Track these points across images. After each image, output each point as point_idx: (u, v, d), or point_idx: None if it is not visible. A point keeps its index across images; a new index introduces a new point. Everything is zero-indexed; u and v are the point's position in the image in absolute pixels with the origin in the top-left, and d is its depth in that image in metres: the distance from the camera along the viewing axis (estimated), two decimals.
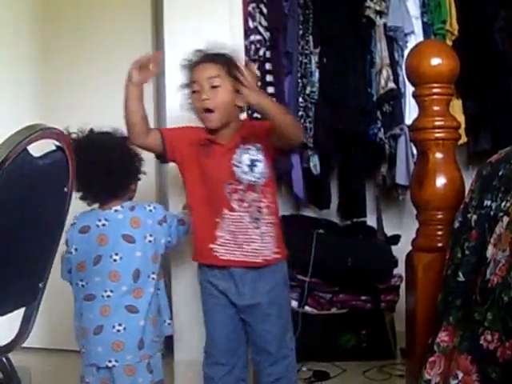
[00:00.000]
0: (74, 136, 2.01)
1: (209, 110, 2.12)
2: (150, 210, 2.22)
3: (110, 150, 2.17)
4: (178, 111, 3.01)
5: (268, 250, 2.14)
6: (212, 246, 2.12)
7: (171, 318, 2.33)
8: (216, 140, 2.16)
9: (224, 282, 2.14)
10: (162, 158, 2.27)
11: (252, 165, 2.12)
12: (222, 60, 2.17)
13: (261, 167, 2.13)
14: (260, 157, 2.14)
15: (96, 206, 2.22)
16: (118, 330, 2.12)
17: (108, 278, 2.14)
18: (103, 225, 2.17)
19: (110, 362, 2.12)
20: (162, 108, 3.27)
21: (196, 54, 2.22)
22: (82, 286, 2.18)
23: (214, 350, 2.18)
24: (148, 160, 2.30)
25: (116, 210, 2.19)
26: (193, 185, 2.19)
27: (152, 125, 3.26)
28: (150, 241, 2.19)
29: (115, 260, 2.15)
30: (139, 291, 2.16)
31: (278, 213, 2.21)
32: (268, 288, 2.15)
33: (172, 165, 2.37)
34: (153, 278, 2.19)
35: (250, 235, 2.12)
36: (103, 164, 2.12)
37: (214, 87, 2.12)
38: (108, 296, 2.14)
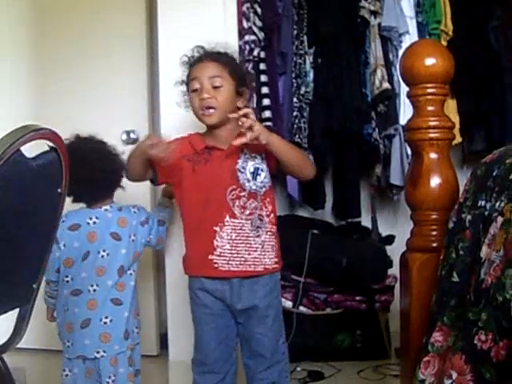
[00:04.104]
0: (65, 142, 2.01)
1: (208, 107, 2.08)
2: (135, 212, 2.38)
3: (100, 153, 2.31)
4: (171, 109, 3.02)
5: (268, 258, 2.11)
6: (211, 257, 2.06)
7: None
8: (215, 145, 2.12)
9: (221, 286, 2.09)
10: (153, 182, 2.24)
11: (255, 173, 2.10)
12: (224, 60, 2.14)
13: (263, 176, 2.11)
14: (264, 166, 2.12)
15: (83, 205, 2.34)
16: (105, 323, 2.25)
17: (95, 273, 2.26)
18: (94, 222, 2.28)
19: (98, 353, 2.23)
20: (156, 106, 3.27)
21: (196, 50, 2.18)
22: (67, 281, 2.28)
23: (207, 359, 2.13)
24: None
25: (106, 210, 2.32)
26: (189, 198, 2.13)
27: (146, 123, 3.30)
28: (133, 240, 2.35)
29: (102, 256, 2.27)
30: (122, 285, 2.30)
31: (276, 223, 2.17)
32: (265, 291, 2.12)
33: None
34: (130, 274, 2.34)
35: (250, 244, 2.08)
36: (97, 166, 2.24)
37: (215, 87, 2.08)
38: (94, 290, 2.26)
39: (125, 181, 2.37)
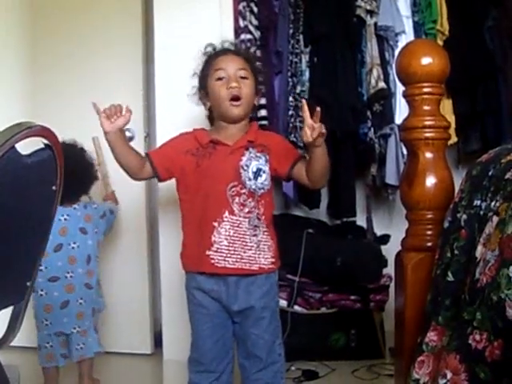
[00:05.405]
0: None
1: (236, 98, 2.10)
2: (95, 208, 2.83)
3: (77, 160, 2.68)
4: (167, 107, 3.03)
5: (263, 258, 2.10)
6: (208, 252, 2.06)
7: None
8: (220, 141, 2.12)
9: (217, 287, 2.09)
10: (158, 179, 2.23)
11: (257, 174, 2.09)
12: (248, 56, 2.21)
13: (264, 178, 2.10)
14: (266, 169, 2.11)
15: None
16: (81, 303, 2.69)
17: (68, 262, 2.67)
18: (65, 219, 2.69)
19: (74, 328, 2.67)
20: (151, 104, 3.26)
21: (215, 46, 2.22)
22: (41, 270, 2.60)
23: (203, 358, 2.13)
24: None
25: (75, 208, 2.73)
26: (191, 192, 2.13)
27: (141, 121, 3.29)
28: (96, 232, 2.80)
29: (73, 248, 2.69)
30: (91, 272, 2.76)
31: (273, 224, 2.17)
32: (261, 292, 2.11)
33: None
34: (96, 261, 2.80)
35: (246, 242, 2.07)
36: (77, 172, 2.52)
37: (241, 78, 2.12)
38: (71, 276, 2.68)
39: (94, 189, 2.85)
